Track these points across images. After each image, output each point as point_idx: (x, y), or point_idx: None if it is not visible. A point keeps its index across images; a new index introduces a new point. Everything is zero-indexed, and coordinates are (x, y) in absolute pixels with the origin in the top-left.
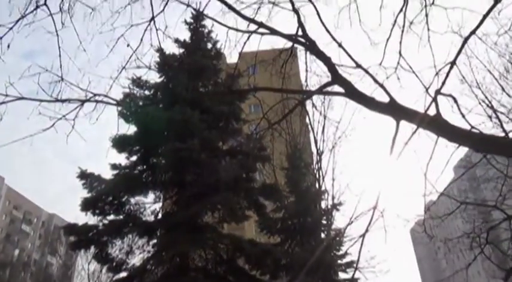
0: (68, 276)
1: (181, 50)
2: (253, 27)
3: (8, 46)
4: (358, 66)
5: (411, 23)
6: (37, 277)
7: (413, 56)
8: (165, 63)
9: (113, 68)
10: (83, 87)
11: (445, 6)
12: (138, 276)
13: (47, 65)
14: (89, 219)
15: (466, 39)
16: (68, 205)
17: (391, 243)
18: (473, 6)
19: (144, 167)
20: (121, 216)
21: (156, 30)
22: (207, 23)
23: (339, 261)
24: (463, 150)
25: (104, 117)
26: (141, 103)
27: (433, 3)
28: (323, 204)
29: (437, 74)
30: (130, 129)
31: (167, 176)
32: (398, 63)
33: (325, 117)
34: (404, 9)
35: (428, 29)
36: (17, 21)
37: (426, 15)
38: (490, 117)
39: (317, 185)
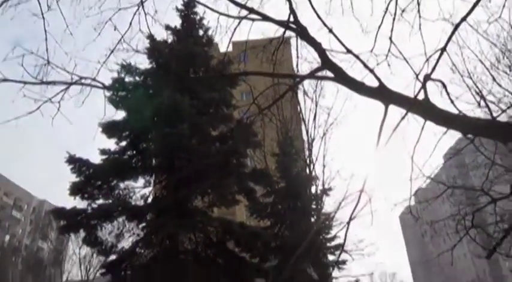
0: (58, 261)
1: (173, 37)
2: (244, 13)
3: None
4: (349, 51)
5: (403, 10)
6: (28, 262)
7: (404, 43)
8: (155, 49)
9: (101, 52)
10: (70, 71)
11: None
12: (127, 259)
13: (33, 49)
14: (78, 204)
15: (456, 26)
16: (58, 191)
17: (380, 227)
18: None
19: (134, 152)
20: (110, 201)
21: (145, 14)
22: (199, 9)
23: (328, 244)
24: (453, 138)
25: (92, 102)
26: (130, 88)
27: None
28: (313, 190)
29: (427, 60)
30: (120, 114)
31: (157, 161)
32: (389, 50)
33: (316, 104)
34: None
35: (420, 17)
36: (2, 3)
37: (418, 3)
38: (478, 103)
39: (307, 171)
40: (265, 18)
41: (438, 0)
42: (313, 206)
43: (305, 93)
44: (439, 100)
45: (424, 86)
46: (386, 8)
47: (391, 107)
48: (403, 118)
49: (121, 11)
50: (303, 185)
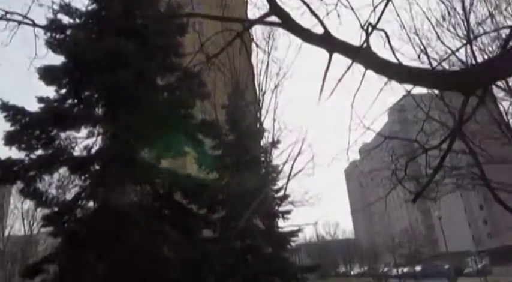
0: None
1: None
2: None
3: None
4: None
5: None
6: None
7: None
8: None
9: None
10: None
11: None
12: (69, 212)
13: None
14: (15, 155)
15: None
16: None
17: (327, 181)
18: None
19: (75, 100)
20: (50, 151)
21: None
22: None
23: (275, 195)
24: (397, 95)
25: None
26: (69, 32)
27: None
28: (262, 143)
29: (374, 9)
30: (60, 60)
31: (101, 110)
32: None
33: (269, 55)
34: None
35: None
36: None
37: None
38: (419, 56)
39: (258, 125)
40: None
41: None
42: (262, 159)
43: (257, 45)
44: (384, 52)
45: (367, 35)
46: None
47: (339, 61)
48: (348, 68)
49: None
50: (253, 138)
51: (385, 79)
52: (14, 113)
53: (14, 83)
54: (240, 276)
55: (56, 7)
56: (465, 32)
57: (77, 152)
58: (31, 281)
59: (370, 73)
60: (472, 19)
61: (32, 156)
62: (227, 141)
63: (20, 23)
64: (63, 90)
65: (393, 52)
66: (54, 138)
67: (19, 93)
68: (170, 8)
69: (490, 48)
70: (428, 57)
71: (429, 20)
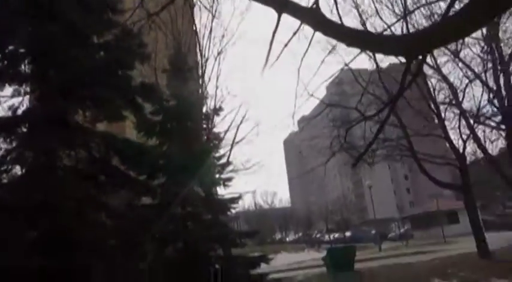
0: None
1: None
2: None
3: None
4: None
5: None
6: None
7: None
8: None
9: None
10: None
11: None
12: None
13: None
14: None
15: None
16: None
17: (266, 149)
18: None
19: None
20: None
21: None
22: None
23: (217, 162)
24: (337, 67)
25: None
26: None
27: None
28: (204, 109)
29: None
30: None
31: (28, 67)
32: None
33: (213, 16)
34: None
35: None
36: None
37: None
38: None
39: (200, 91)
40: None
41: None
42: (204, 126)
43: (200, 1)
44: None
45: None
46: None
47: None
48: (297, 31)
49: None
50: (195, 105)
51: (330, 47)
52: None
53: None
54: (181, 242)
55: None
56: (402, 9)
57: (0, 112)
58: None
59: (315, 42)
60: None
61: None
62: (168, 106)
63: None
64: None
65: (340, 18)
66: None
67: None
68: None
69: (424, 25)
70: (364, 24)
71: None
